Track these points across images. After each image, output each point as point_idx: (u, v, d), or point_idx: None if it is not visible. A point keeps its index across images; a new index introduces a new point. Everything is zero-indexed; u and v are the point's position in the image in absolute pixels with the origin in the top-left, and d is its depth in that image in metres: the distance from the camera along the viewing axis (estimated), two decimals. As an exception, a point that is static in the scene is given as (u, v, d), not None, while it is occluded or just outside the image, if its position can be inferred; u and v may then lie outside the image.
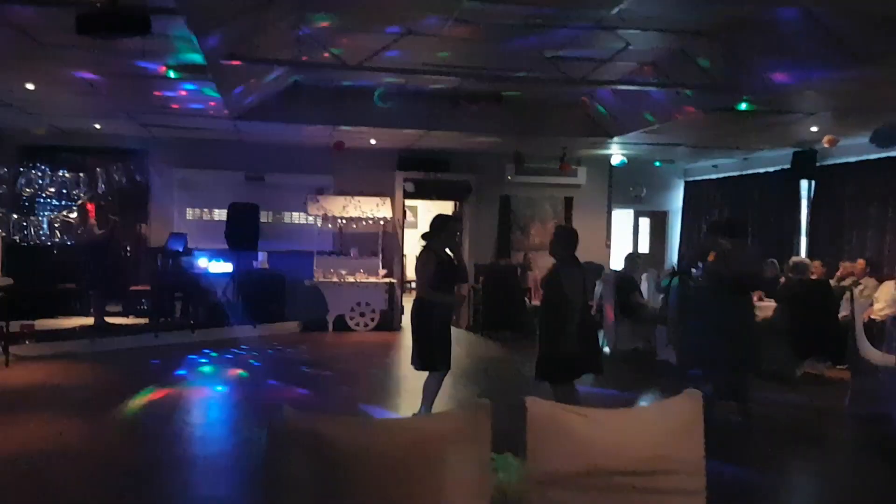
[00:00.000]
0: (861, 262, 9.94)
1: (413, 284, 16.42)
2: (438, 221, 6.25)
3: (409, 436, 2.22)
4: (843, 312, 8.63)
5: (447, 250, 6.18)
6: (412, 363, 6.17)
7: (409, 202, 14.35)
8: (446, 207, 14.13)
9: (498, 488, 2.32)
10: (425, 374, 6.26)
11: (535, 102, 10.68)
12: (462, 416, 2.30)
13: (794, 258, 9.85)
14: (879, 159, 10.22)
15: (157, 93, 8.92)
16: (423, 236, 6.25)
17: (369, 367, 9.56)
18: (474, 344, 11.63)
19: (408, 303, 13.87)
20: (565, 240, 6.05)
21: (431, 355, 6.01)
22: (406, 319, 12.81)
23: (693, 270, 10.73)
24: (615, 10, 6.63)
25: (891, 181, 10.22)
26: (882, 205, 10.36)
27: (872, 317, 8.93)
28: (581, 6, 6.68)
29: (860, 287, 9.49)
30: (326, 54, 7.83)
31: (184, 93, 8.82)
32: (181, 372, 8.79)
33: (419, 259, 6.07)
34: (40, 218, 12.24)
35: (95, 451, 5.73)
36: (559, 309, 5.79)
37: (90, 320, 10.74)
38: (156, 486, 5.07)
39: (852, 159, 10.74)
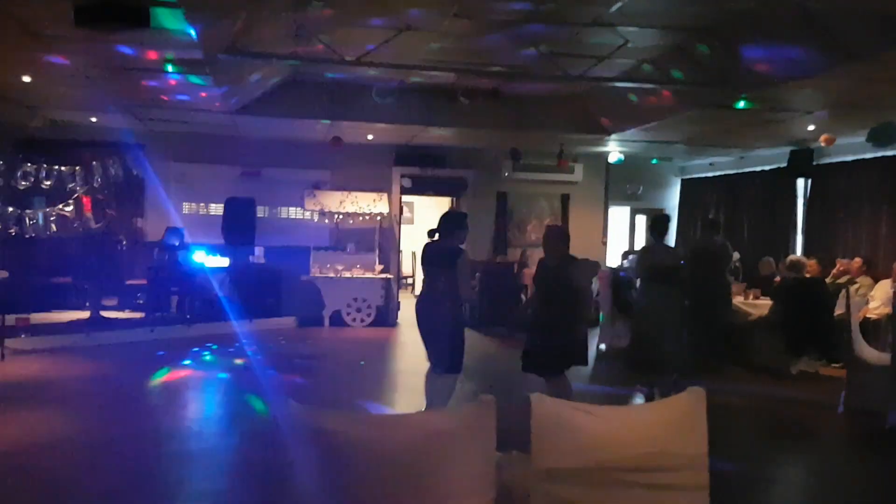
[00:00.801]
0: (858, 260, 9.98)
1: (409, 280, 16.65)
2: (456, 219, 6.20)
3: (414, 431, 2.23)
4: (839, 310, 8.66)
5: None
6: (440, 369, 6.01)
7: (405, 198, 14.36)
8: (443, 203, 14.14)
9: (503, 484, 2.33)
10: (423, 369, 6.25)
11: (533, 98, 10.68)
12: (467, 413, 2.31)
13: (791, 257, 9.90)
14: (875, 158, 10.25)
15: (154, 86, 8.89)
16: (437, 233, 6.11)
17: (366, 362, 9.55)
18: (471, 341, 11.60)
19: (404, 299, 13.93)
20: (555, 238, 6.12)
21: (461, 357, 6.00)
22: (403, 315, 12.83)
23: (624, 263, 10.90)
24: (614, 7, 6.63)
25: (886, 180, 10.26)
26: (877, 203, 10.39)
27: (868, 315, 8.96)
28: (580, 3, 6.68)
29: (856, 285, 9.53)
30: (324, 48, 7.81)
31: (181, 86, 8.80)
32: (177, 366, 8.77)
33: (464, 261, 5.90)
34: (36, 211, 12.19)
35: (92, 445, 5.71)
36: (545, 303, 5.93)
37: (86, 314, 10.71)
38: (154, 481, 5.05)
39: (848, 158, 10.77)
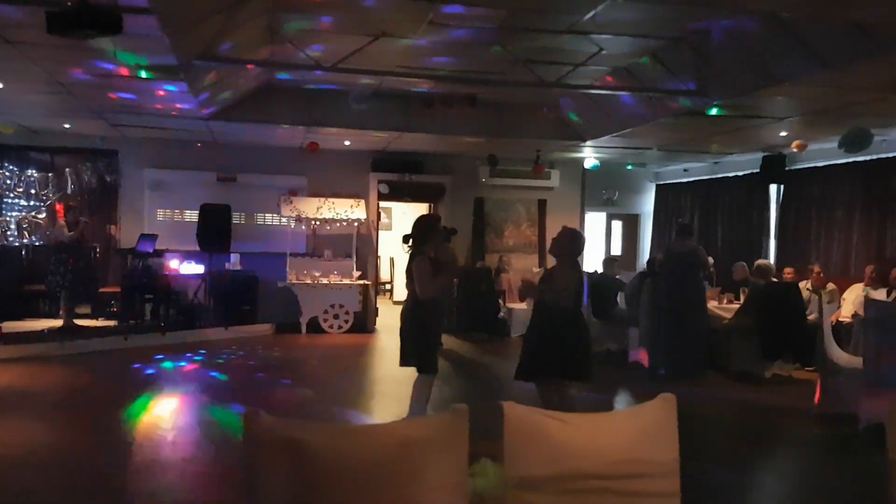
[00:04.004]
0: (815, 268, 10.04)
1: (387, 286, 16.65)
2: (427, 224, 6.18)
3: (386, 441, 2.22)
4: (812, 315, 8.77)
5: (432, 252, 6.17)
6: (406, 364, 5.96)
7: (383, 204, 14.35)
8: (420, 209, 14.14)
9: (475, 493, 2.33)
10: (401, 375, 6.23)
11: (509, 105, 10.72)
12: (439, 422, 2.31)
13: (759, 261, 9.94)
14: (847, 164, 10.39)
15: (128, 92, 8.82)
16: (408, 239, 6.10)
17: (343, 369, 9.52)
18: (449, 345, 11.63)
19: (382, 305, 13.92)
20: (570, 242, 6.03)
21: (431, 357, 5.96)
22: (381, 322, 12.82)
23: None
24: (588, 16, 6.68)
25: (858, 185, 10.41)
26: (849, 208, 10.53)
27: (840, 319, 9.07)
28: (555, 11, 6.72)
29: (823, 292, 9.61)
30: (301, 55, 7.79)
31: (156, 93, 8.74)
32: (151, 375, 8.69)
33: (416, 265, 5.82)
34: (8, 218, 12.05)
35: (64, 456, 5.64)
36: (551, 309, 5.81)
37: (59, 322, 10.58)
38: (127, 493, 5.00)
39: (820, 163, 10.91)
